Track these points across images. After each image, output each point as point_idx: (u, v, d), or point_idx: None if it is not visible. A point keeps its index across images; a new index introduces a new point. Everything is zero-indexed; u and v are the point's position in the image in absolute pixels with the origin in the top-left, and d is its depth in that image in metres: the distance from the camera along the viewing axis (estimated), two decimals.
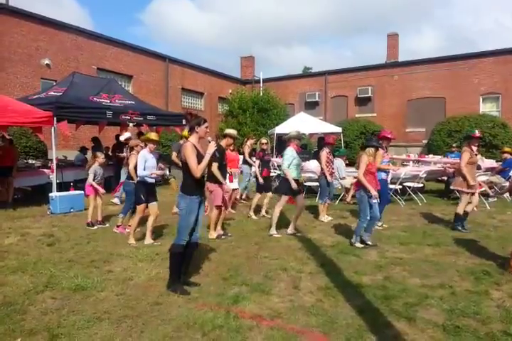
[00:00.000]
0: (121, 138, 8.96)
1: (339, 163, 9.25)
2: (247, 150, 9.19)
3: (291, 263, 4.70)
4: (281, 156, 7.38)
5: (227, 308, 3.44)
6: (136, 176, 5.83)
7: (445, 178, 10.58)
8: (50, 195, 8.09)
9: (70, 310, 3.43)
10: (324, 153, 7.46)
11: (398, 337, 2.98)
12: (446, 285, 3.98)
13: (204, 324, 3.14)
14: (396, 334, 3.03)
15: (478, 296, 3.71)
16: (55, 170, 8.74)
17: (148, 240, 5.66)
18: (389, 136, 6.67)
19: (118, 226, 6.40)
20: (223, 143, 6.41)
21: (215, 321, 3.19)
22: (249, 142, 9.21)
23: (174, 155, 8.54)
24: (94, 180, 6.83)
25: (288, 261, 4.81)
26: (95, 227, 6.68)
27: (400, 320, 3.24)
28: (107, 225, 6.87)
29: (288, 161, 6.11)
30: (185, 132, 5.93)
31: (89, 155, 12.24)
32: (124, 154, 8.74)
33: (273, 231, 6.18)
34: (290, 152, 6.17)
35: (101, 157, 7.03)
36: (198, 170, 3.78)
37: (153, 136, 5.92)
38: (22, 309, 3.43)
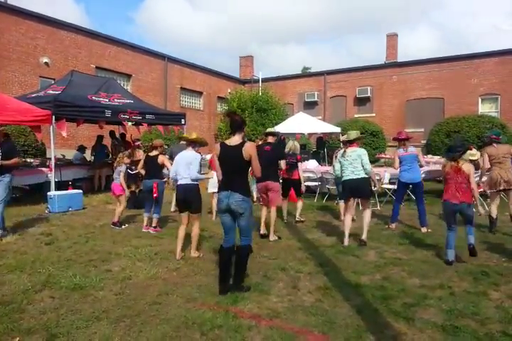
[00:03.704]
0: None
1: None
2: None
3: (290, 263, 4.69)
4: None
5: (226, 308, 3.43)
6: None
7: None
8: (49, 193, 8.08)
9: (69, 309, 3.42)
10: None
11: (397, 337, 2.98)
12: (445, 286, 3.98)
13: (203, 324, 3.14)
14: (395, 334, 3.03)
15: (477, 297, 3.71)
16: (53, 169, 8.72)
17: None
18: (400, 137, 6.72)
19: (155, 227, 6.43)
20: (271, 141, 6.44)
21: (214, 321, 3.18)
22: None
23: (167, 157, 8.49)
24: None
25: (287, 260, 4.81)
26: (123, 227, 6.64)
27: (398, 320, 3.24)
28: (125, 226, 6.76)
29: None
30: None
31: (87, 153, 12.27)
32: None
33: (365, 237, 5.65)
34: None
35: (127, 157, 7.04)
36: (260, 170, 3.85)
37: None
38: (20, 308, 3.42)
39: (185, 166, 5.00)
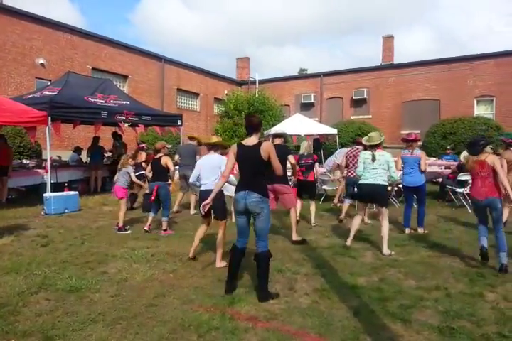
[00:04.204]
0: None
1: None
2: None
3: (286, 265, 4.69)
4: None
5: (222, 310, 3.43)
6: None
7: (440, 180, 10.63)
8: (45, 195, 8.04)
9: (65, 311, 3.40)
10: None
11: (394, 339, 2.98)
12: (442, 287, 3.99)
13: (199, 325, 3.13)
14: (391, 336, 3.03)
15: (473, 298, 3.73)
16: (49, 171, 8.69)
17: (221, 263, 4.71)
18: (409, 138, 6.58)
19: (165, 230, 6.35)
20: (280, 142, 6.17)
21: (210, 323, 3.18)
22: None
23: (177, 157, 8.47)
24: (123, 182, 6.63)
25: (284, 262, 4.80)
26: (129, 232, 6.37)
27: (395, 321, 3.25)
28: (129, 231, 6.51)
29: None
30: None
31: (83, 155, 12.23)
32: None
33: (387, 250, 5.18)
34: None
35: (131, 159, 6.91)
36: (281, 168, 3.82)
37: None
38: (16, 310, 3.40)
39: (210, 170, 4.76)
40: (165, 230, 6.35)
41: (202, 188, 4.84)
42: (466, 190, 8.76)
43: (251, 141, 3.80)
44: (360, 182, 5.47)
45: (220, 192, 4.46)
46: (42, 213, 7.86)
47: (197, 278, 4.24)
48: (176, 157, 8.45)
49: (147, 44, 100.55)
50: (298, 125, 13.75)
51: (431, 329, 3.12)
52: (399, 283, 4.14)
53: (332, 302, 3.63)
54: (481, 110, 20.12)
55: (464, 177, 8.90)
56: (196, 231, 5.00)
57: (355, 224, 5.57)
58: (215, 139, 5.24)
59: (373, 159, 5.32)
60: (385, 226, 5.31)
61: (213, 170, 4.73)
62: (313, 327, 3.15)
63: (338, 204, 9.11)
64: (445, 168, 11.12)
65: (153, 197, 6.27)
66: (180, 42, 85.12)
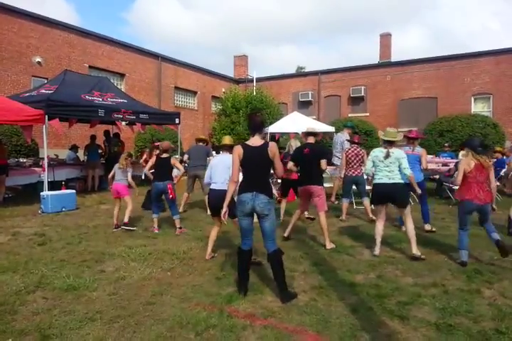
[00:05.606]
0: None
1: None
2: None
3: (284, 262, 4.66)
4: None
5: (220, 308, 3.42)
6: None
7: (437, 177, 10.66)
8: (42, 193, 8.02)
9: (62, 310, 3.39)
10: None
11: (391, 336, 2.99)
12: (439, 284, 4.00)
13: (197, 323, 3.13)
14: (389, 333, 3.03)
15: (470, 295, 3.74)
16: (46, 169, 8.66)
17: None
18: (409, 135, 6.47)
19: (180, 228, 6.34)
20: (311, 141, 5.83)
21: (208, 320, 3.18)
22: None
23: (186, 157, 8.46)
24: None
25: None
26: (135, 228, 6.43)
27: (393, 318, 3.25)
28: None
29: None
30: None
31: (80, 153, 12.20)
32: None
33: (416, 251, 4.88)
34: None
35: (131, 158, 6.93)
36: (282, 169, 3.75)
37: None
38: (13, 309, 3.39)
39: (222, 170, 4.77)
40: (180, 228, 6.32)
41: (212, 187, 4.87)
42: None
43: (256, 141, 3.73)
44: (374, 182, 5.17)
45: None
46: (39, 212, 7.84)
47: (194, 276, 4.24)
48: (185, 157, 8.47)
49: (144, 42, 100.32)
50: (296, 123, 13.72)
51: (428, 325, 3.13)
52: (396, 280, 4.15)
53: (330, 300, 3.64)
54: (478, 108, 20.14)
55: None
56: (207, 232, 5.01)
57: (379, 230, 5.14)
58: (227, 140, 5.25)
59: (387, 156, 5.03)
60: (410, 227, 5.00)
61: (226, 170, 4.68)
62: (311, 324, 3.15)
63: (336, 202, 9.13)
64: (442, 166, 11.15)
65: (171, 196, 6.27)
66: (178, 40, 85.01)
